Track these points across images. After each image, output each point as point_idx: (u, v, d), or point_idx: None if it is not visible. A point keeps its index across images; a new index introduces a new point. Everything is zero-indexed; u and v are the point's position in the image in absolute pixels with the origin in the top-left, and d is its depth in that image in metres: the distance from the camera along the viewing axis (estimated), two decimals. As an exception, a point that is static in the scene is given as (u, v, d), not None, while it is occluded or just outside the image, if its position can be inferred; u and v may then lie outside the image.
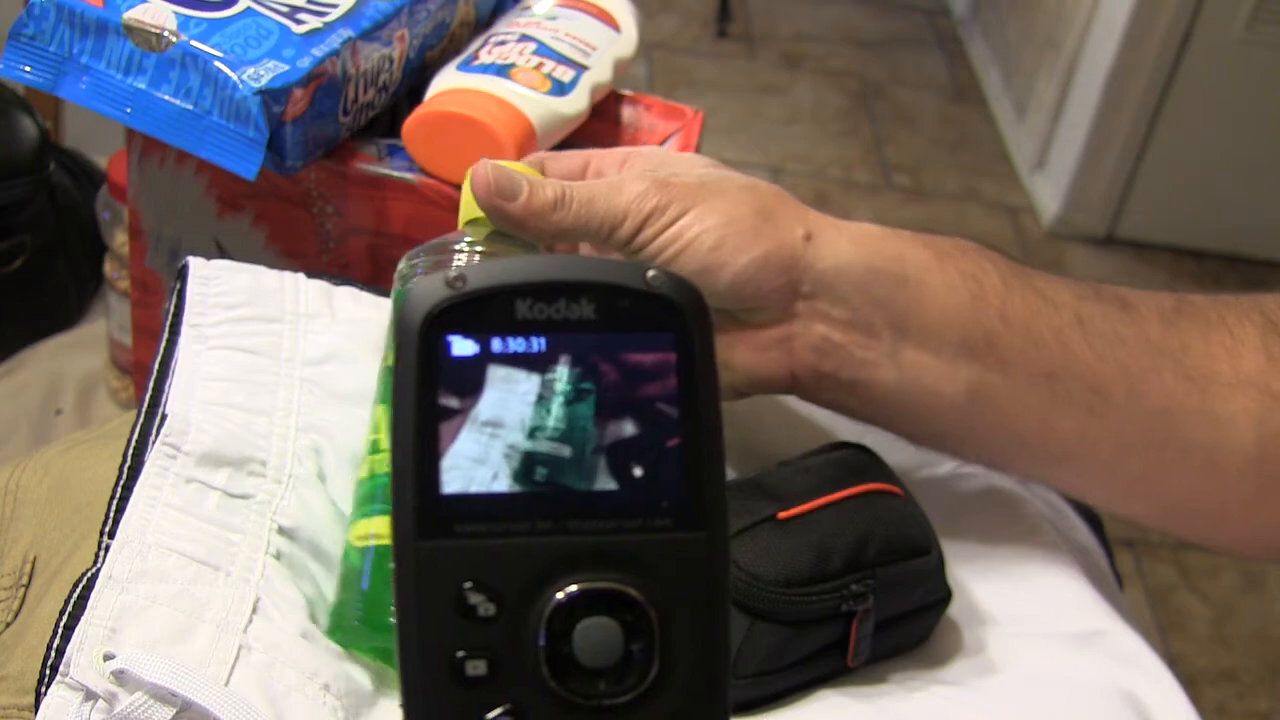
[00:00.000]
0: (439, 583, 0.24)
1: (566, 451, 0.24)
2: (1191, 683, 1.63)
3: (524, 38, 0.67)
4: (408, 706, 0.24)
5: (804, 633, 0.52)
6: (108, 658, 0.41)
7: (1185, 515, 0.55)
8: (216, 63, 0.58)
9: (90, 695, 0.41)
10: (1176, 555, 1.82)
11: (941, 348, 0.52)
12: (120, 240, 0.77)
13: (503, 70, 0.65)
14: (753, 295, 0.51)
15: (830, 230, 0.52)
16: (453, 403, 0.24)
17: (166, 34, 0.58)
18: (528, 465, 0.24)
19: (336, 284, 0.59)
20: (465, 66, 0.66)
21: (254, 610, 0.46)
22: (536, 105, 0.64)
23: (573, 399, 0.25)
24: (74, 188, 0.91)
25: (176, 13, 0.59)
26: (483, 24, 0.73)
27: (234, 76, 0.57)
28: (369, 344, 0.56)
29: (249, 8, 0.61)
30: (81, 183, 0.92)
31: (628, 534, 0.24)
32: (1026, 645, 0.57)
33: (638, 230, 0.49)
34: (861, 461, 0.59)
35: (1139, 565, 1.78)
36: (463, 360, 0.24)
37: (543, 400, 0.24)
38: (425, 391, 0.24)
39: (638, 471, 0.25)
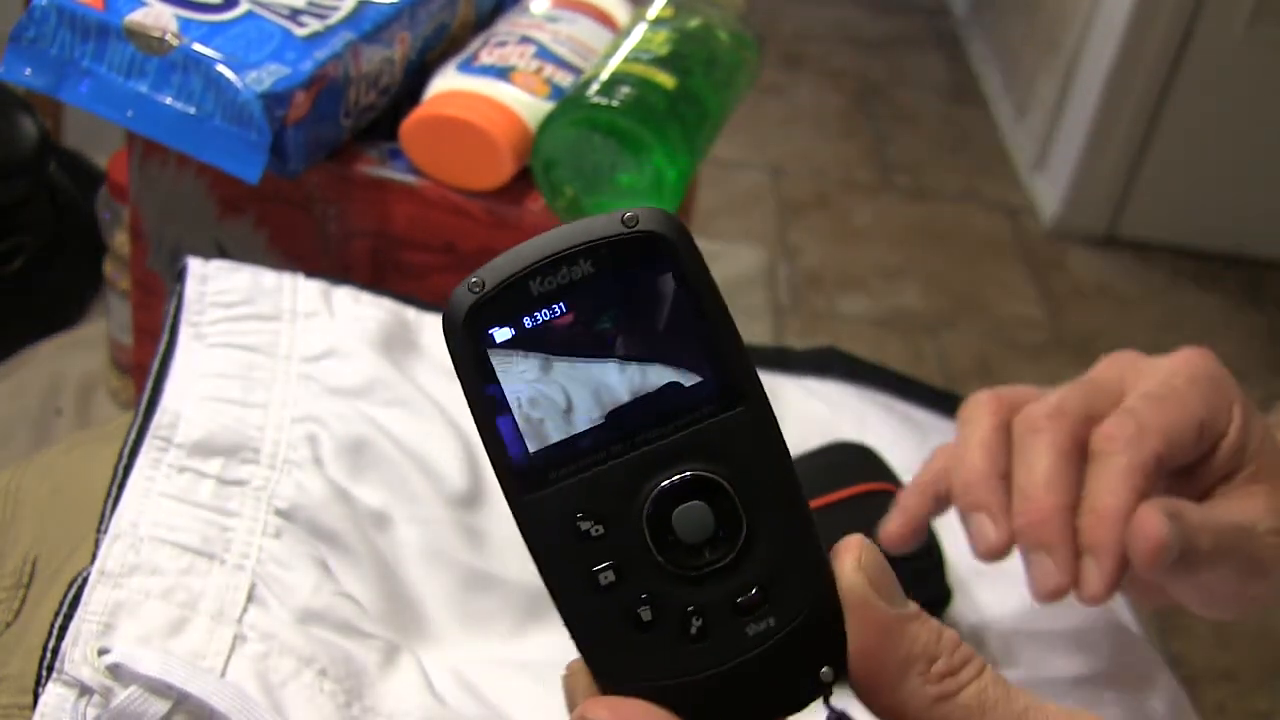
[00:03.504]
0: (554, 523, 0.28)
1: (614, 384, 0.29)
2: (1191, 683, 1.63)
3: (525, 39, 0.68)
4: (572, 629, 0.29)
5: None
6: (102, 652, 0.41)
7: None
8: (218, 66, 0.58)
9: (86, 691, 0.41)
10: (1176, 555, 1.82)
11: None
12: (120, 241, 0.77)
13: (503, 73, 0.65)
14: None
15: None
16: (511, 379, 0.28)
17: (168, 37, 0.58)
18: (588, 406, 0.29)
19: (335, 284, 0.59)
20: (465, 67, 0.66)
21: (249, 598, 0.46)
22: (535, 110, 0.64)
23: (603, 340, 0.29)
24: (74, 188, 0.92)
25: (178, 16, 0.59)
26: (482, 24, 0.73)
27: (236, 80, 0.57)
28: (367, 340, 0.56)
29: (250, 11, 0.61)
30: (81, 183, 0.92)
31: (685, 429, 0.29)
32: (1026, 645, 0.57)
33: None
34: (861, 461, 0.59)
35: (1138, 565, 1.78)
36: (506, 343, 0.29)
37: (580, 350, 0.29)
38: (486, 379, 0.29)
39: (674, 378, 0.29)
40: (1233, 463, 0.49)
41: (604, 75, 0.62)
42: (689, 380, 0.29)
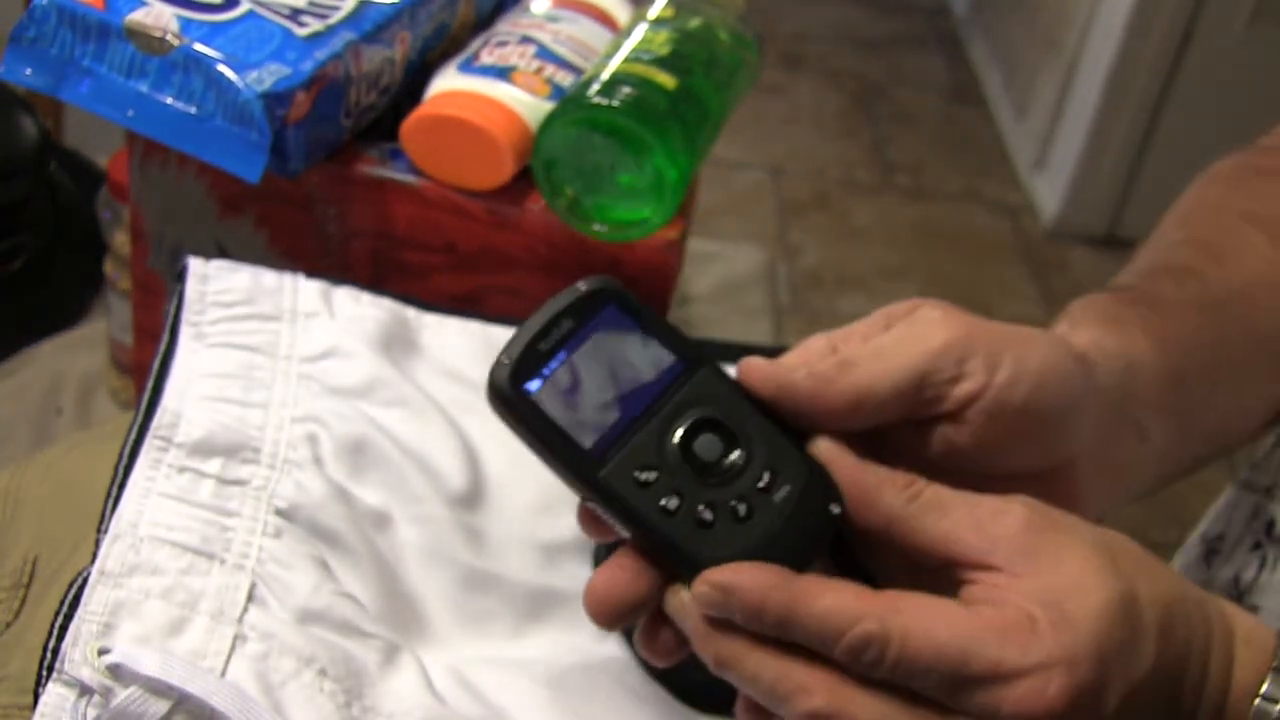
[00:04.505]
0: (622, 483, 0.40)
1: (618, 384, 0.41)
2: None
3: (525, 39, 0.68)
4: (666, 548, 0.39)
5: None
6: (102, 652, 0.41)
7: None
8: (219, 66, 0.58)
9: (86, 691, 0.41)
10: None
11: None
12: (121, 240, 0.77)
13: (503, 73, 0.65)
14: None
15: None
16: (554, 409, 0.40)
17: (168, 37, 0.58)
18: (607, 405, 0.41)
19: (335, 284, 0.59)
20: (466, 67, 0.66)
21: (249, 598, 0.46)
22: (535, 110, 0.64)
23: (598, 361, 0.41)
24: (74, 188, 0.92)
25: (178, 16, 0.59)
26: (482, 24, 0.74)
27: (236, 80, 0.57)
28: (367, 340, 0.56)
29: (251, 11, 0.61)
30: (81, 183, 0.92)
31: (677, 393, 0.41)
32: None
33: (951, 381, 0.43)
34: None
35: (1138, 565, 1.78)
36: (539, 390, 0.40)
37: (586, 374, 0.41)
38: (537, 418, 0.40)
39: (652, 364, 0.42)
40: None
41: (605, 75, 0.62)
42: (664, 365, 0.42)
